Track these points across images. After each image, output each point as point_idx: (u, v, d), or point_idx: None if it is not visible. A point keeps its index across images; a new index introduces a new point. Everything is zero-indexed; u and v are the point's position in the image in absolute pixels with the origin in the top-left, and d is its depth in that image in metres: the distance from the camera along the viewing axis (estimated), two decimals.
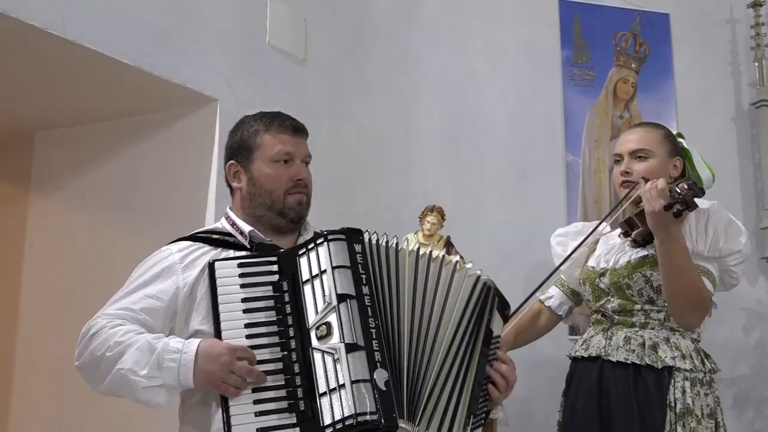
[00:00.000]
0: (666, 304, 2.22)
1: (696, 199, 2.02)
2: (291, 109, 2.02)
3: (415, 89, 3.82)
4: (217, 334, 1.62)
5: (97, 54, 2.64)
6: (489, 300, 1.79)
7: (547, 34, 3.78)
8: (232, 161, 1.91)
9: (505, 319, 1.86)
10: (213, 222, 2.52)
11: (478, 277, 1.79)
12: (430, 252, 1.77)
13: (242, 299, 1.64)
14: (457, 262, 1.77)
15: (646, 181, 2.19)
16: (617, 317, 2.28)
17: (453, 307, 1.73)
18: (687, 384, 2.16)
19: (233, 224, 1.89)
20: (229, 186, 1.94)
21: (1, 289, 3.55)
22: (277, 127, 1.88)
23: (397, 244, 1.73)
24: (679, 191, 2.01)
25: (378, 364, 1.53)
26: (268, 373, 1.57)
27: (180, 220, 2.92)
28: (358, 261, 1.64)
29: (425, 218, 3.25)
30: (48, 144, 3.52)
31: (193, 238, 1.87)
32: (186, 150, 3.13)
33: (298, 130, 1.91)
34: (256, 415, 1.54)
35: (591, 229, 2.33)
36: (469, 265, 1.79)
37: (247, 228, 1.85)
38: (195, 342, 1.61)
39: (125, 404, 1.77)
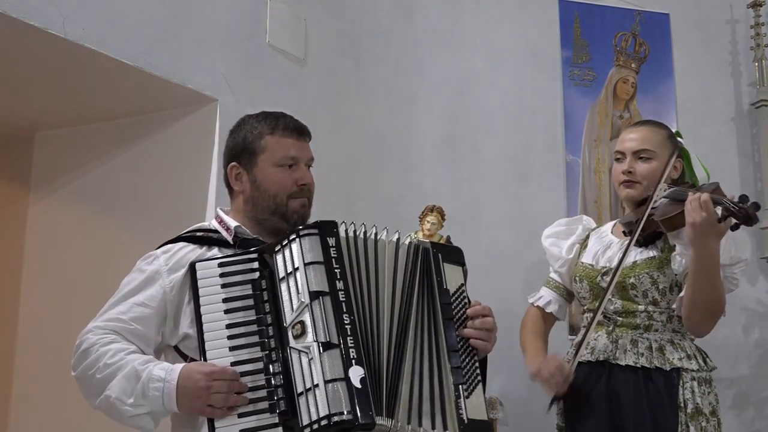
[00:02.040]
0: (668, 306, 2.21)
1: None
2: (291, 109, 2.01)
3: (415, 89, 3.82)
4: (200, 336, 1.63)
5: (97, 54, 2.64)
6: (431, 261, 1.75)
7: (547, 34, 3.78)
8: (233, 163, 1.87)
9: (461, 264, 1.79)
10: None
11: (403, 243, 1.73)
12: (410, 240, 1.74)
13: (223, 299, 1.65)
14: (399, 239, 1.73)
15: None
16: (620, 319, 2.25)
17: (397, 281, 1.68)
18: (695, 384, 2.16)
19: (221, 221, 1.88)
20: (229, 187, 1.91)
21: (1, 289, 3.55)
22: (281, 130, 1.85)
23: (376, 234, 1.71)
24: (736, 205, 1.98)
25: (353, 361, 1.52)
26: (248, 373, 1.58)
27: (180, 220, 2.91)
28: (332, 255, 1.62)
29: (425, 218, 3.25)
30: (48, 144, 3.52)
31: (177, 239, 1.86)
32: (186, 150, 3.13)
33: (302, 133, 1.89)
34: (238, 417, 1.55)
35: (626, 241, 2.25)
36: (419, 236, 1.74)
37: (233, 224, 1.84)
38: (178, 369, 1.62)
39: None
